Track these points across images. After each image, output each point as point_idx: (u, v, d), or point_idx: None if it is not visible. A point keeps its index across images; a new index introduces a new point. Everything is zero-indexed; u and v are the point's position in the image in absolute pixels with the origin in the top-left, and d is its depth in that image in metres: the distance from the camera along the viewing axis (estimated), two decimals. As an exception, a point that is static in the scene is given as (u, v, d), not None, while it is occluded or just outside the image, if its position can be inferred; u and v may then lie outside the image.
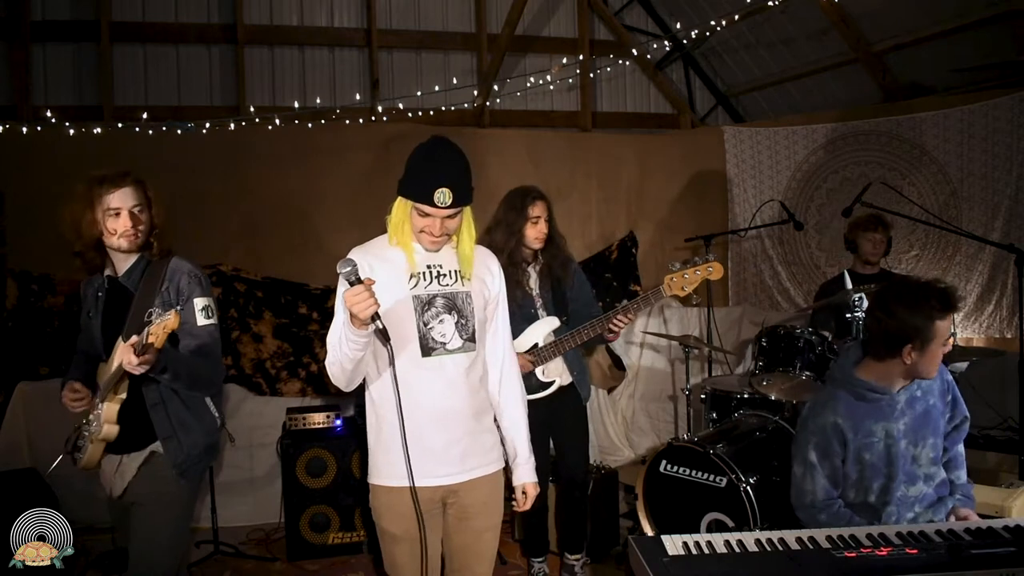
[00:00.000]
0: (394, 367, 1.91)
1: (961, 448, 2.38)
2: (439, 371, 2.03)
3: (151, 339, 1.98)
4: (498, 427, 2.22)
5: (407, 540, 2.04)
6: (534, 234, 3.09)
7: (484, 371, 2.16)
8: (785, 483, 3.19)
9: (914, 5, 4.61)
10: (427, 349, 2.02)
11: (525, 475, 2.23)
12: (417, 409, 2.00)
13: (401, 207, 2.02)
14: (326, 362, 2.01)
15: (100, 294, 2.40)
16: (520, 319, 3.06)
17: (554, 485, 3.48)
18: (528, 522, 3.39)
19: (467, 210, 2.05)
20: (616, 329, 3.05)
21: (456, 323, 2.05)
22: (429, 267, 2.06)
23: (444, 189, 1.91)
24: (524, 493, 2.23)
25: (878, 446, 2.24)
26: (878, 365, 2.25)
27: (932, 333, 2.12)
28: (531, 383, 3.06)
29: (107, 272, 2.41)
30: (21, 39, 4.91)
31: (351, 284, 1.80)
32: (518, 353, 2.92)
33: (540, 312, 3.13)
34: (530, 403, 3.03)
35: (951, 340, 2.21)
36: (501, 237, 3.06)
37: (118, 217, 2.29)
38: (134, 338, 2.02)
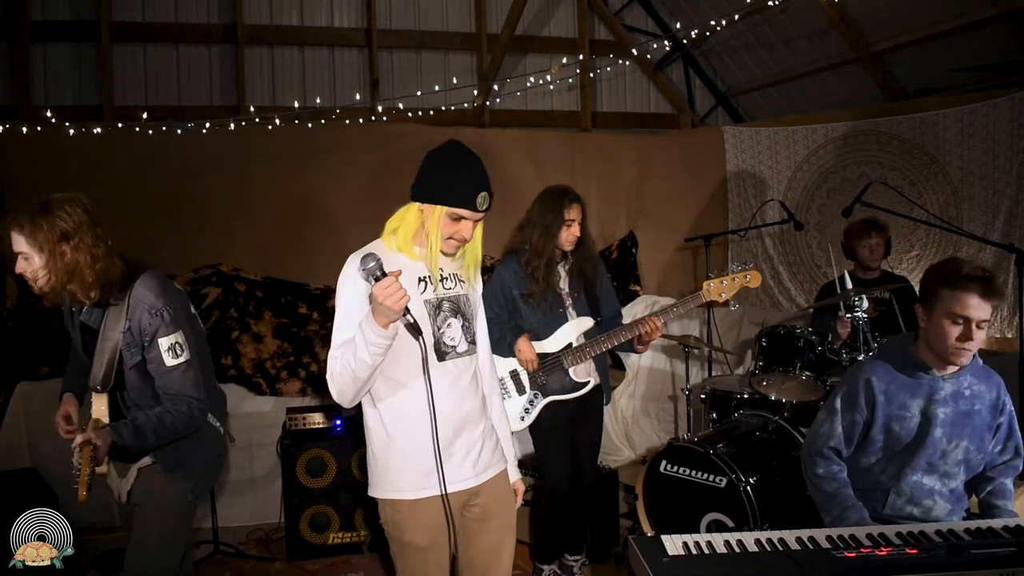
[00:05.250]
0: (427, 366, 1.87)
1: (1009, 483, 2.34)
2: (454, 375, 2.02)
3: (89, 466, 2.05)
4: None
5: (435, 549, 2.00)
6: (567, 236, 3.05)
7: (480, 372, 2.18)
8: (785, 484, 3.18)
9: (914, 5, 4.61)
10: (441, 354, 2.01)
11: (515, 473, 2.25)
12: (439, 415, 1.95)
13: (417, 213, 1.98)
14: (331, 375, 1.89)
15: (74, 309, 2.27)
16: (551, 319, 3.06)
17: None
18: (540, 527, 3.30)
19: None
20: (648, 339, 2.99)
21: (462, 326, 2.05)
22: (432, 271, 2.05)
23: (484, 193, 1.94)
24: (515, 491, 2.24)
25: (910, 422, 2.29)
26: (926, 344, 2.31)
27: (937, 297, 2.19)
28: (565, 383, 3.06)
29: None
30: (21, 39, 4.92)
31: (376, 279, 1.76)
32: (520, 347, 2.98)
33: (570, 312, 3.11)
34: (561, 403, 3.05)
35: (972, 331, 2.15)
36: (538, 239, 3.02)
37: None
38: (79, 439, 2.07)
